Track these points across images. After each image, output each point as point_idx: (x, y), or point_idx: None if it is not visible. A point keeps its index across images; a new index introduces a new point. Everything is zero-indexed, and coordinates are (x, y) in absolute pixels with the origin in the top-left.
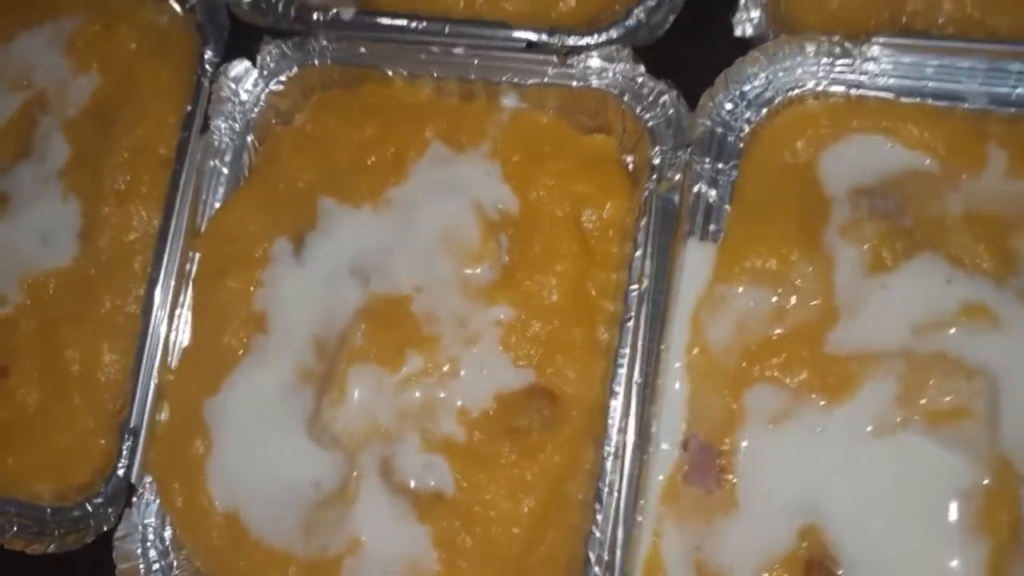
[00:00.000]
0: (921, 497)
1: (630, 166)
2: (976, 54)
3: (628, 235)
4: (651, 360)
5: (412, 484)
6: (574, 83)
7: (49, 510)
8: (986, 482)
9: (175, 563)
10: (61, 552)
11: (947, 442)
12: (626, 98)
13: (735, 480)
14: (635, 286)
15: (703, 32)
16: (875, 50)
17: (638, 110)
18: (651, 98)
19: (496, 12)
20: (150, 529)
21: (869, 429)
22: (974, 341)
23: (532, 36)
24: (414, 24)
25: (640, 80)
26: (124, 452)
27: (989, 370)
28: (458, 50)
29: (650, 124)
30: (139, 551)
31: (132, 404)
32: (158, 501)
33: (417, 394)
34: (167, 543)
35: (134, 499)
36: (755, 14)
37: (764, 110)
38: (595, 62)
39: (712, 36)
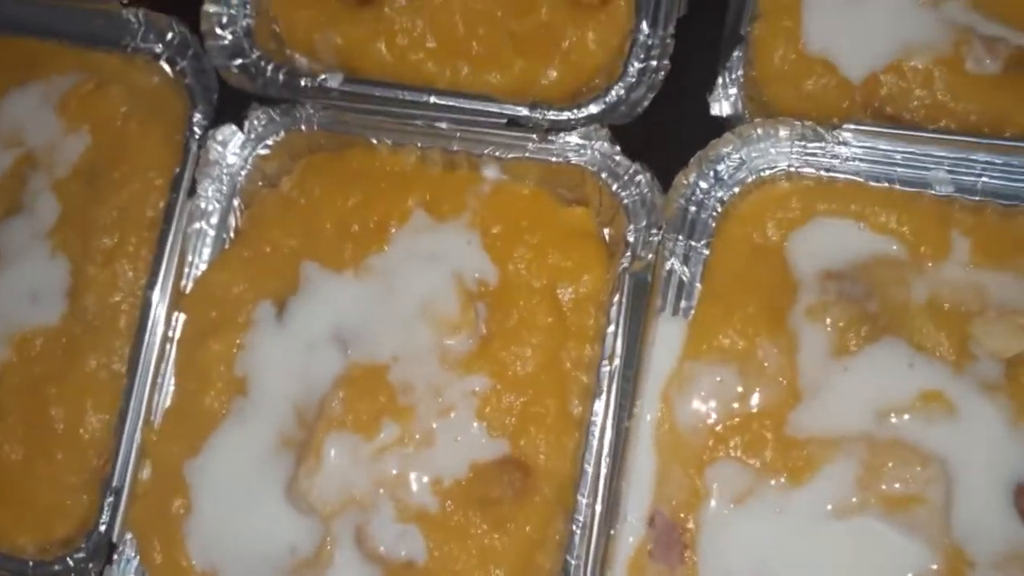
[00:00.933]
0: None
1: (607, 239)
2: (943, 144)
3: (603, 308)
4: (621, 435)
5: (385, 552)
6: (553, 159)
7: (31, 563)
8: (935, 567)
9: None
10: None
11: (902, 527)
12: (603, 175)
13: (696, 558)
14: (606, 362)
15: (680, 110)
16: (846, 135)
17: (614, 187)
18: (627, 177)
19: (480, 84)
20: None
21: (829, 509)
22: (931, 429)
23: (513, 111)
24: (399, 94)
25: (616, 159)
26: (106, 509)
27: (945, 458)
28: (442, 124)
29: (625, 202)
30: None
31: (115, 462)
32: (138, 558)
33: (392, 463)
34: None
35: (115, 556)
36: (732, 91)
37: (736, 189)
38: (574, 139)
39: (688, 115)
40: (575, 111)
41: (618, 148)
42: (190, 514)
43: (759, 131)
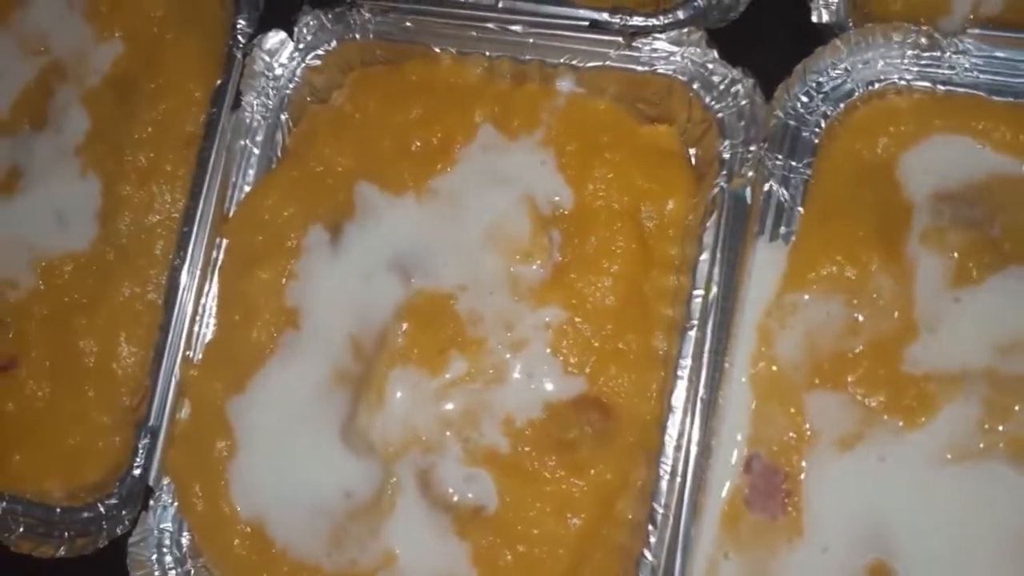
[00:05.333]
0: (1005, 533)
1: (692, 160)
2: None
3: (689, 235)
4: (714, 373)
5: (453, 497)
6: (638, 67)
7: (58, 510)
8: None
9: (192, 571)
10: (72, 556)
11: None
12: (695, 86)
13: (800, 507)
14: (700, 291)
15: (775, 16)
16: (967, 43)
17: (707, 99)
18: (723, 87)
19: None
20: (166, 534)
21: (948, 456)
22: None
23: (595, 15)
24: None
25: (711, 67)
26: (140, 451)
27: None
28: (516, 27)
29: (720, 115)
30: (154, 557)
31: (151, 400)
32: (176, 505)
33: (460, 401)
34: (184, 550)
35: (150, 502)
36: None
37: (842, 104)
38: (663, 45)
39: (784, 21)
40: (661, 16)
41: (714, 53)
42: (234, 457)
43: (870, 38)
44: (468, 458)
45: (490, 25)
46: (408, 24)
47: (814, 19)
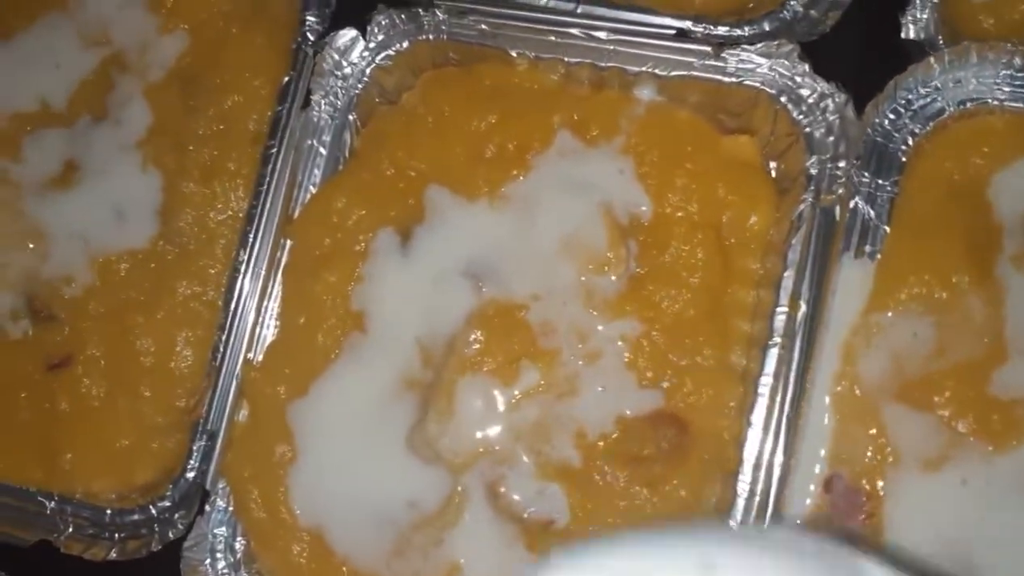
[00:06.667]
0: None
1: (772, 173)
2: None
3: (770, 250)
4: (795, 391)
5: (522, 510)
6: (724, 78)
7: (109, 511)
8: None
9: None
10: (124, 560)
11: None
12: (782, 99)
13: (881, 527)
14: (783, 308)
15: (862, 31)
16: None
17: (795, 113)
18: (812, 101)
19: None
20: (220, 539)
21: None
22: None
23: (680, 24)
24: (545, 1)
25: (801, 80)
26: (195, 453)
27: None
28: (601, 34)
29: (808, 130)
30: (208, 562)
31: (209, 402)
32: (230, 510)
33: (532, 413)
34: (238, 556)
35: (206, 507)
36: (924, 15)
37: (931, 123)
38: (750, 57)
39: (872, 37)
40: (747, 27)
41: (806, 67)
42: (294, 462)
43: (963, 57)
44: (539, 471)
45: (574, 31)
46: (484, 27)
47: (904, 35)
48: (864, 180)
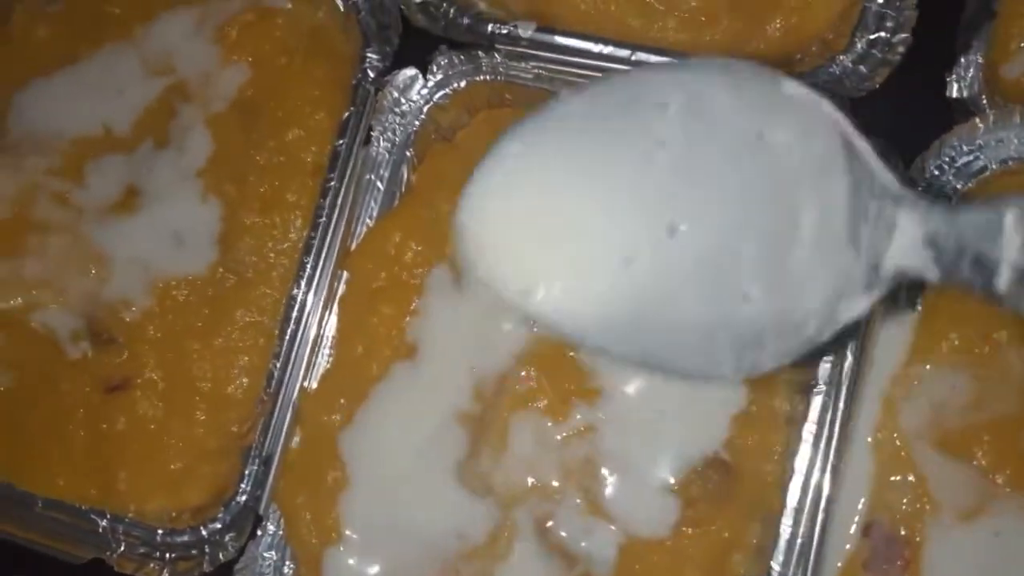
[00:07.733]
0: None
1: None
2: None
3: None
4: (835, 435)
5: (570, 546)
6: None
7: (160, 531)
8: None
9: None
10: None
11: None
12: None
13: (919, 575)
14: (830, 356)
15: (908, 88)
16: None
17: None
18: None
19: (686, 43)
20: (269, 563)
21: None
22: None
23: None
24: (598, 48)
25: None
26: (247, 478)
27: None
28: None
29: None
30: None
31: (263, 428)
32: (280, 534)
33: (582, 451)
34: None
35: (258, 531)
36: (970, 73)
37: (974, 180)
38: None
39: (917, 94)
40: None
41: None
42: (345, 490)
43: (1008, 118)
44: (588, 507)
45: None
46: (540, 71)
47: (948, 94)
48: None
